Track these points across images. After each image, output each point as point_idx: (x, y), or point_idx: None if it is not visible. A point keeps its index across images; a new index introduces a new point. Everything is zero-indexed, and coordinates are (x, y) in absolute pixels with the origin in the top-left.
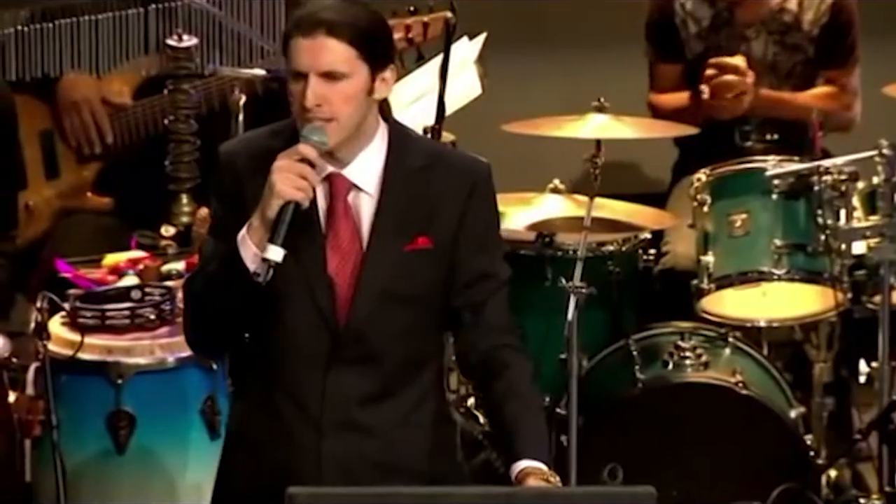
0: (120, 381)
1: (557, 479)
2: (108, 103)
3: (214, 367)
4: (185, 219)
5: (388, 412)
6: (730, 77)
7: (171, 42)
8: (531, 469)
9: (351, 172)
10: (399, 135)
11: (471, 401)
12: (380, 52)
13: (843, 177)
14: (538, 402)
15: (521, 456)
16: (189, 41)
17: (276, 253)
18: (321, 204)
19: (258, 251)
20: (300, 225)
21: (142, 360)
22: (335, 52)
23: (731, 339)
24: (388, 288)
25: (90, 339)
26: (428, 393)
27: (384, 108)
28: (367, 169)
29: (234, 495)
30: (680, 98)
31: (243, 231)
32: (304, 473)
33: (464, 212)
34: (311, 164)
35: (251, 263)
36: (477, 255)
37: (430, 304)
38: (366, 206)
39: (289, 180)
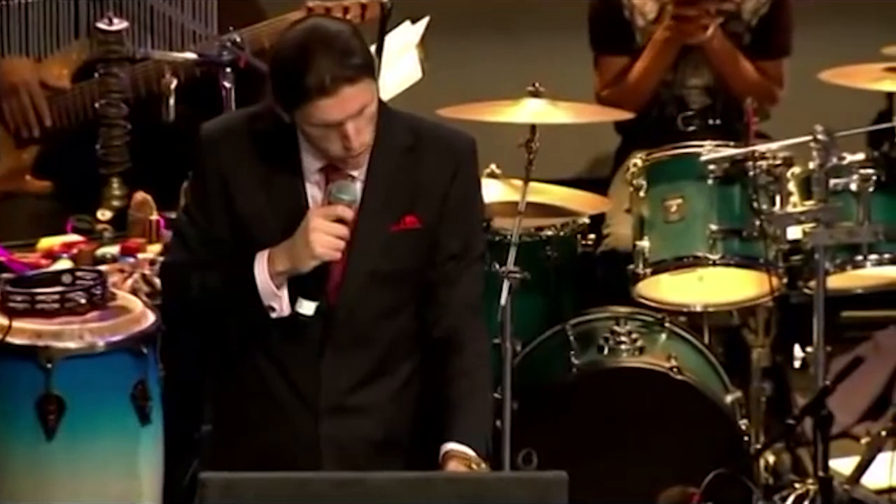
0: (49, 366)
1: (482, 465)
2: (47, 87)
3: (145, 351)
4: (116, 203)
5: (382, 391)
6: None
7: (101, 26)
8: (456, 452)
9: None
10: (385, 115)
11: None
12: (374, 63)
13: (777, 162)
14: (486, 388)
15: (451, 438)
16: (119, 25)
17: (309, 307)
18: (316, 196)
19: (279, 293)
20: (295, 217)
21: (71, 345)
22: (361, 94)
23: (667, 325)
24: (377, 268)
25: (19, 324)
26: (419, 370)
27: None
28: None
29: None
30: (642, 60)
31: (263, 266)
32: (300, 457)
33: (448, 188)
34: (345, 223)
35: (266, 298)
36: (457, 230)
37: (419, 281)
38: (357, 188)
39: (327, 241)
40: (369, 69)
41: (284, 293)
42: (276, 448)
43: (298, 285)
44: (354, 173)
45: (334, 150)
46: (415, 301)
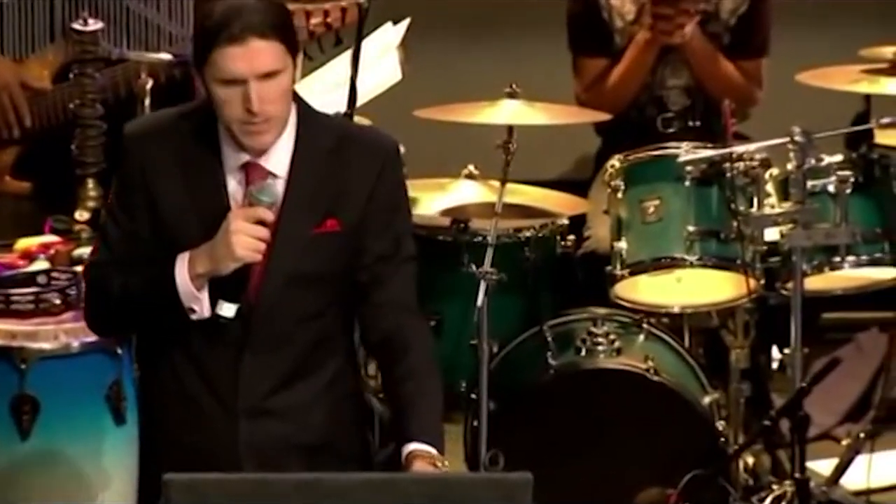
0: (23, 367)
1: (445, 463)
2: (28, 87)
3: (120, 351)
4: (91, 203)
5: (302, 393)
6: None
7: (76, 26)
8: (419, 452)
9: (265, 160)
10: (307, 116)
11: None
12: (295, 41)
13: (755, 163)
14: (436, 386)
15: (412, 438)
16: (94, 25)
17: (230, 310)
18: (237, 193)
19: (199, 295)
20: (216, 216)
21: (46, 345)
22: (270, 53)
23: (645, 326)
24: (297, 270)
25: None
26: (340, 371)
27: None
28: (279, 153)
29: (157, 477)
30: (622, 62)
31: (183, 268)
32: (220, 457)
33: (372, 191)
34: (265, 224)
35: (186, 300)
36: (383, 233)
37: (340, 284)
38: (277, 190)
39: (247, 243)
40: (285, 37)
41: (205, 295)
42: (198, 450)
43: (219, 287)
44: (277, 171)
45: (236, 114)
46: (338, 304)
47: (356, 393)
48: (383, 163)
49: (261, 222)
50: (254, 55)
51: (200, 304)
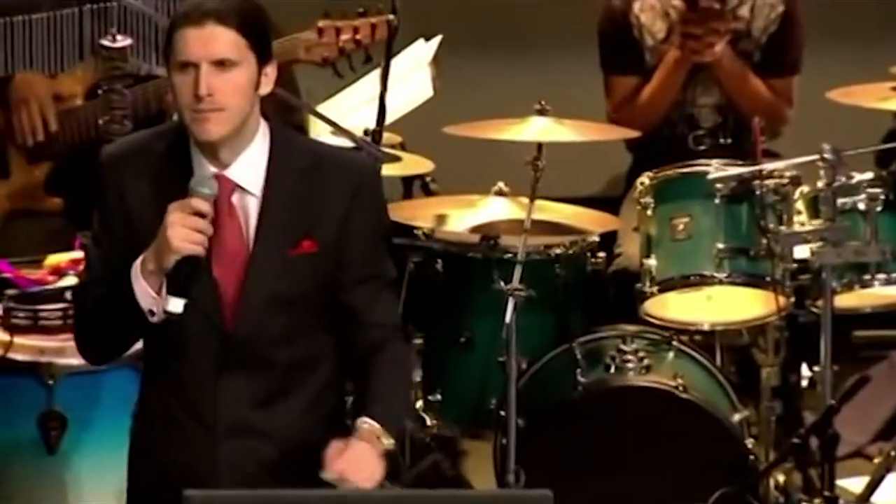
0: (51, 382)
1: (390, 442)
2: (60, 99)
3: None
4: None
5: (282, 413)
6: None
7: (104, 42)
8: (365, 426)
9: (234, 172)
10: (281, 134)
11: (419, 404)
12: (265, 44)
13: (785, 181)
14: (406, 379)
15: (365, 412)
16: (123, 41)
17: (177, 305)
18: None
19: (155, 296)
20: None
21: (74, 361)
22: (226, 40)
23: (674, 343)
24: (275, 292)
25: (23, 340)
26: (322, 392)
27: (266, 107)
28: (250, 169)
29: (140, 497)
30: (653, 80)
31: (137, 269)
32: (201, 476)
33: (348, 213)
34: (203, 216)
35: (144, 302)
36: (362, 256)
37: (318, 304)
38: (250, 208)
39: (184, 234)
40: (247, 31)
41: (161, 295)
42: (179, 467)
43: (168, 284)
44: (249, 188)
45: (186, 100)
46: (317, 325)
47: (338, 413)
48: (359, 183)
49: (199, 214)
50: (208, 38)
51: (157, 305)
